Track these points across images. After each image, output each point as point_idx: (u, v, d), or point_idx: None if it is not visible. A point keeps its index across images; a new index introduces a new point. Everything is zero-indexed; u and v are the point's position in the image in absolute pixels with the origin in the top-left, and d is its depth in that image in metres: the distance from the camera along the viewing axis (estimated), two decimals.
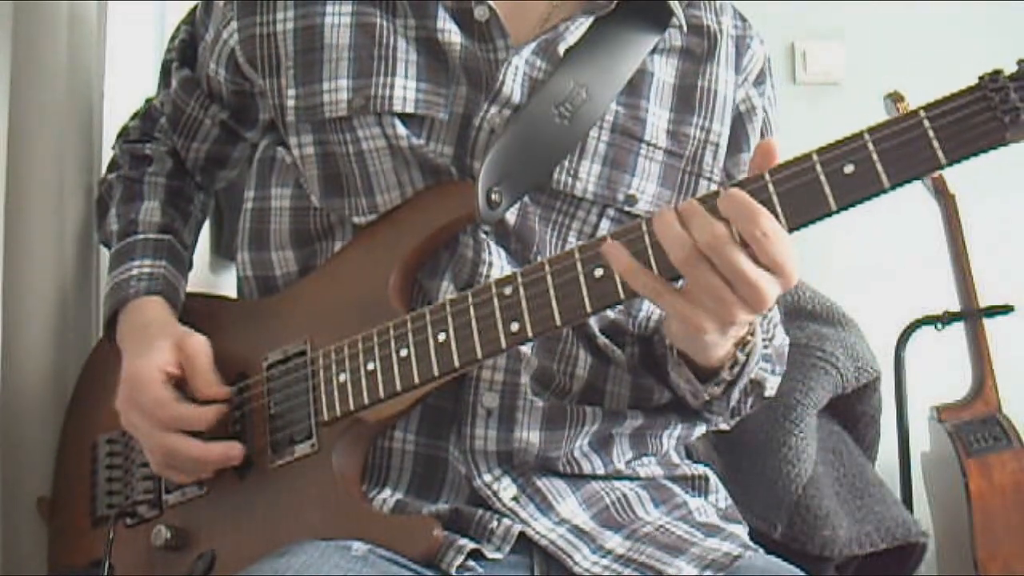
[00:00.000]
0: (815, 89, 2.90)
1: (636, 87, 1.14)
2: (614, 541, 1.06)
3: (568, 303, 0.96)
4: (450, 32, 1.11)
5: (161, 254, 1.23)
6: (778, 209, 0.89)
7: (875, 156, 0.88)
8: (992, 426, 2.28)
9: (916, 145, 0.87)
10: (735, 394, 1.11)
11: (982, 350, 2.35)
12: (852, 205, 0.89)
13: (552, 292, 0.97)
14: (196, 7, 1.27)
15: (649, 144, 1.14)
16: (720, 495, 1.21)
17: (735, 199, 0.88)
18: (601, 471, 1.12)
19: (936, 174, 2.34)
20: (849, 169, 0.88)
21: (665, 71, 1.17)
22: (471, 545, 1.01)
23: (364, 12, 1.13)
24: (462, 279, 1.08)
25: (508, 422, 1.07)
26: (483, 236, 1.09)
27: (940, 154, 0.87)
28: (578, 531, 1.06)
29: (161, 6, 1.63)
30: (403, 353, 1.02)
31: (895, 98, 2.23)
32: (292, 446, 1.08)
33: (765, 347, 1.09)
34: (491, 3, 1.11)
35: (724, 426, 1.22)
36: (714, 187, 1.18)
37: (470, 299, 1.00)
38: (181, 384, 1.12)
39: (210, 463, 1.09)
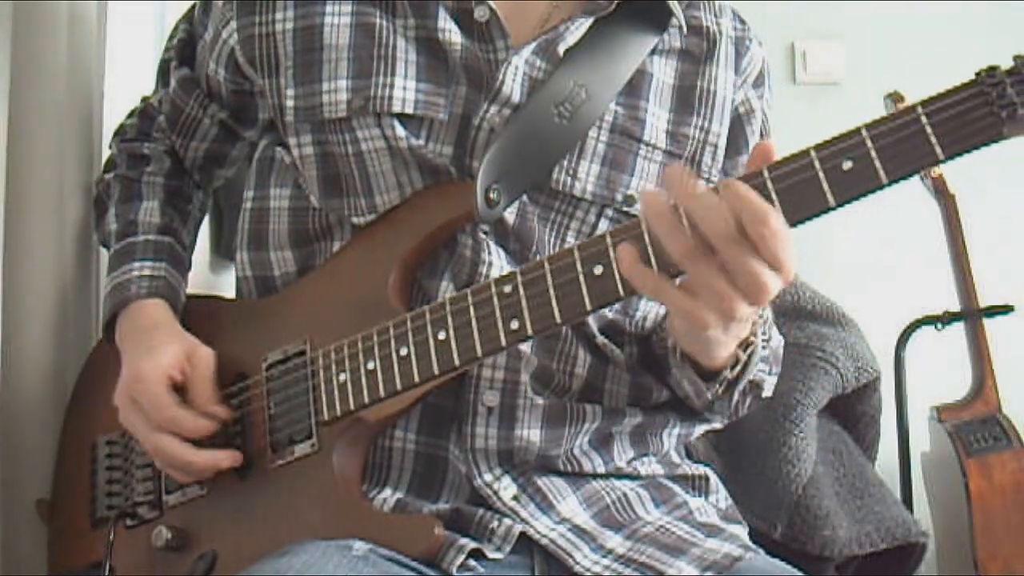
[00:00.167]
0: (815, 89, 2.90)
1: (635, 88, 1.14)
2: (614, 541, 1.06)
3: (568, 301, 0.96)
4: (450, 32, 1.11)
5: (161, 256, 1.23)
6: (777, 205, 0.89)
7: (873, 152, 0.88)
8: (992, 426, 2.28)
9: (913, 141, 0.87)
10: (736, 394, 1.11)
11: (982, 350, 2.35)
12: (850, 201, 0.89)
13: (552, 290, 0.97)
14: (195, 6, 1.27)
15: (648, 145, 1.14)
16: (720, 495, 1.21)
17: (742, 194, 0.87)
18: (601, 469, 1.13)
19: (936, 174, 2.35)
20: (847, 165, 0.88)
21: (664, 72, 1.17)
22: (472, 545, 1.01)
23: (364, 12, 1.13)
24: (461, 279, 1.08)
25: (509, 420, 1.07)
26: (482, 236, 1.09)
27: (938, 149, 0.87)
28: (579, 530, 1.06)
29: (161, 6, 1.63)
30: (403, 352, 1.02)
31: (895, 98, 2.23)
32: (292, 446, 1.08)
33: (763, 347, 1.09)
34: (491, 3, 1.11)
35: (718, 425, 1.22)
36: None
37: (470, 298, 1.00)
38: (181, 391, 1.12)
39: (198, 468, 1.09)
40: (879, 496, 1.66)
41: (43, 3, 1.38)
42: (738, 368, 1.05)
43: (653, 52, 1.16)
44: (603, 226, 1.12)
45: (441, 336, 1.01)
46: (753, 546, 1.11)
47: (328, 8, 1.13)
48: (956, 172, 2.31)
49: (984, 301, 2.36)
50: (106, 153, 1.39)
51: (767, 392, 1.19)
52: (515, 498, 1.07)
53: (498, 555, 1.03)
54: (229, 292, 1.33)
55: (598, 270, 0.95)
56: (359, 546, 0.98)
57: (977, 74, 0.88)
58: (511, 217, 1.09)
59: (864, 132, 0.89)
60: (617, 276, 0.94)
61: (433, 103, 1.10)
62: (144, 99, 1.37)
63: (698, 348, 1.02)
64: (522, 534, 1.04)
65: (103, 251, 1.35)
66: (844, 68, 2.92)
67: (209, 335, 1.15)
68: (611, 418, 1.12)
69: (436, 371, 1.01)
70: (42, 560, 1.28)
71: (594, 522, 1.08)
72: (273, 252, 1.18)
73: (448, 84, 1.11)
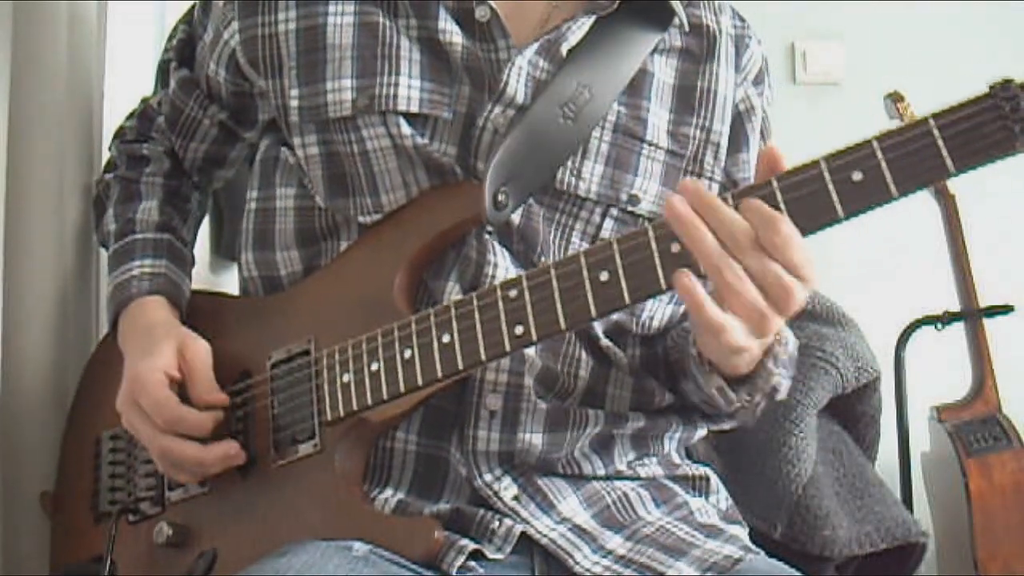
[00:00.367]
0: (815, 89, 2.90)
1: (637, 87, 1.14)
2: (615, 541, 1.06)
3: (573, 307, 0.96)
4: (451, 32, 1.11)
5: (161, 252, 1.23)
6: (785, 216, 0.89)
7: (883, 164, 0.87)
8: (992, 426, 2.29)
9: (925, 153, 0.86)
10: (758, 399, 1.10)
11: (982, 350, 2.36)
12: (860, 213, 0.88)
13: (557, 296, 0.96)
14: (194, 6, 1.27)
15: (651, 144, 1.14)
16: (721, 496, 1.21)
17: (753, 206, 0.87)
18: (602, 472, 1.12)
19: None
20: (857, 177, 0.88)
21: (665, 71, 1.17)
22: (472, 545, 1.01)
23: (366, 12, 1.13)
24: (467, 280, 1.08)
25: (511, 424, 1.07)
26: (487, 237, 1.08)
27: (949, 163, 0.86)
28: (579, 530, 1.06)
29: (161, 6, 1.63)
30: (407, 354, 1.02)
31: (895, 98, 2.23)
32: (295, 446, 1.08)
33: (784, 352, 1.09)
34: (492, 3, 1.11)
35: (726, 426, 1.22)
36: (715, 187, 1.18)
37: (475, 301, 1.00)
38: (182, 387, 1.12)
39: (208, 464, 1.09)
40: (879, 496, 1.66)
41: (43, 3, 1.38)
42: (764, 374, 1.05)
43: (654, 51, 1.16)
44: (608, 226, 1.12)
45: (445, 339, 1.00)
46: (753, 547, 1.11)
47: (331, 8, 1.13)
48: None
49: (984, 301, 2.36)
50: (106, 154, 1.39)
51: (782, 395, 1.19)
52: (516, 498, 1.07)
53: (498, 556, 1.03)
54: (230, 292, 1.32)
55: (604, 276, 0.94)
56: (359, 547, 0.98)
57: (991, 87, 0.86)
58: (516, 218, 1.09)
59: (875, 144, 0.88)
60: (623, 283, 0.94)
61: (437, 102, 1.10)
62: (144, 100, 1.37)
63: (723, 356, 1.01)
64: (522, 534, 1.04)
65: (103, 251, 1.35)
66: (844, 68, 2.92)
67: (214, 332, 1.15)
68: (613, 422, 1.12)
69: (440, 374, 1.00)
70: (43, 559, 1.28)
71: (594, 522, 1.08)
72: (279, 252, 1.18)
73: (451, 84, 1.11)
